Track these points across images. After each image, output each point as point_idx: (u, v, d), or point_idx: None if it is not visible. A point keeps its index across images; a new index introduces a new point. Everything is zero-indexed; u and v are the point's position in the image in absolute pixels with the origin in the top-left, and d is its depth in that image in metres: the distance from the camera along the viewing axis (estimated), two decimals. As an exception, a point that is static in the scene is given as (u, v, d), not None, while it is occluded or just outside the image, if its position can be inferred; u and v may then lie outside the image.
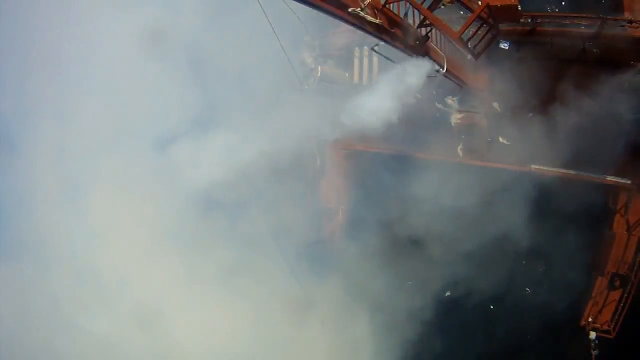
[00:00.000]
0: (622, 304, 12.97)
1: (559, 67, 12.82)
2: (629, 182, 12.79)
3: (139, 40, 13.13)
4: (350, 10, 7.68)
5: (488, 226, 13.78)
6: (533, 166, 13.38)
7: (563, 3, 13.91)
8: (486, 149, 14.05)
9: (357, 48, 15.37)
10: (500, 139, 13.82)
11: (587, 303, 13.53)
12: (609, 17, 11.96)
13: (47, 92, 14.32)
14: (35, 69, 14.25)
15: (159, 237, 14.77)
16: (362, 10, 7.76)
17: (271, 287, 15.86)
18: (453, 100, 14.26)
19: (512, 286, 15.05)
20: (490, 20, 10.48)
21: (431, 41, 9.92)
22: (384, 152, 15.03)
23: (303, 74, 14.96)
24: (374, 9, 8.20)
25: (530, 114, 13.35)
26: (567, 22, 12.31)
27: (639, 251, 12.94)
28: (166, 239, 14.87)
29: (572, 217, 13.36)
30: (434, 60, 9.82)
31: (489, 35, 11.44)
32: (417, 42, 9.42)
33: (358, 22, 8.01)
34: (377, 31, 8.46)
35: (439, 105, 14.34)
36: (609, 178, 12.88)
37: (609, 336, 13.04)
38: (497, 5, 9.81)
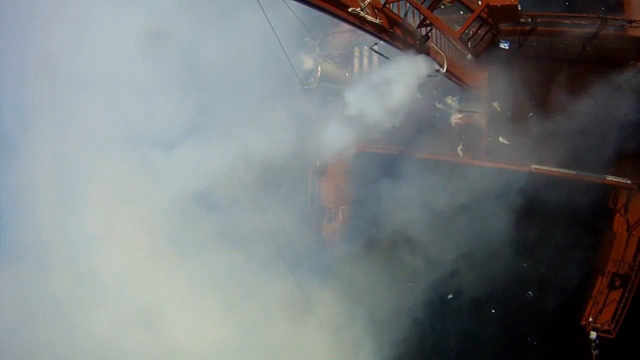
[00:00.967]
0: (622, 304, 12.97)
1: (559, 67, 12.84)
2: (629, 182, 12.78)
3: (138, 41, 13.11)
4: (350, 10, 7.67)
5: (488, 226, 13.78)
6: (533, 166, 13.38)
7: (567, 4, 13.89)
8: (486, 149, 14.05)
9: (357, 48, 15.38)
10: (500, 139, 13.82)
11: (588, 303, 13.53)
12: (609, 17, 11.96)
13: (45, 94, 14.31)
14: (35, 71, 14.23)
15: (159, 237, 14.76)
16: (362, 10, 7.75)
17: (270, 288, 15.84)
18: (453, 100, 14.27)
19: (513, 287, 15.02)
20: (490, 20, 10.49)
21: (431, 41, 9.90)
22: (384, 152, 15.01)
23: (303, 74, 14.97)
24: (374, 8, 8.19)
25: (530, 114, 13.36)
26: (568, 22, 12.31)
27: (639, 251, 12.94)
28: (165, 240, 14.85)
29: (572, 217, 13.36)
30: (434, 60, 9.80)
31: (489, 35, 11.44)
32: (417, 42, 9.41)
33: (358, 22, 8.00)
34: (377, 31, 8.44)
35: (439, 105, 14.34)
36: (609, 178, 12.88)
37: (610, 336, 13.03)
38: (497, 5, 9.82)
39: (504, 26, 11.98)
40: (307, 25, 12.46)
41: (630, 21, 11.92)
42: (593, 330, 13.21)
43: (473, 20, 10.17)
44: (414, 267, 15.10)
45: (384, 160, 15.27)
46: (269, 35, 9.67)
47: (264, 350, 15.06)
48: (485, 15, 10.22)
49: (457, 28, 10.73)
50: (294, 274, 16.03)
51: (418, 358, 16.04)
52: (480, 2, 9.92)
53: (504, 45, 12.91)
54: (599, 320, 13.32)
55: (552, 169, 13.25)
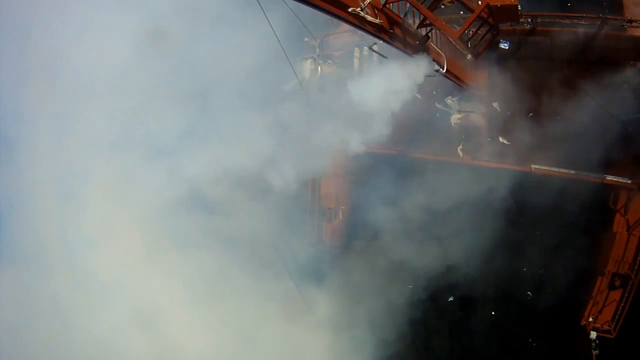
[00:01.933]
0: (622, 304, 12.97)
1: (559, 67, 12.83)
2: (629, 182, 12.79)
3: (137, 44, 13.11)
4: (350, 10, 7.65)
5: (488, 227, 13.78)
6: (533, 166, 13.38)
7: (569, 4, 13.90)
8: (486, 149, 14.05)
9: (357, 48, 15.36)
10: (500, 139, 13.81)
11: (588, 303, 13.53)
12: (609, 17, 11.96)
13: (44, 97, 14.30)
14: (34, 74, 14.23)
15: (157, 239, 14.76)
16: (362, 10, 7.73)
17: (269, 288, 15.84)
18: (453, 100, 14.26)
19: (513, 288, 15.02)
20: (490, 20, 10.48)
21: (431, 41, 9.90)
22: (384, 152, 15.00)
23: (303, 75, 14.95)
24: (374, 8, 8.18)
25: (530, 114, 13.35)
26: (568, 22, 12.31)
27: (639, 251, 12.94)
28: (164, 242, 14.86)
29: (572, 217, 13.36)
30: (434, 60, 9.80)
31: (489, 35, 11.44)
32: (417, 42, 9.41)
33: (358, 22, 7.98)
34: (377, 31, 8.43)
35: (439, 105, 14.33)
36: (609, 178, 12.89)
37: (610, 336, 13.03)
38: (497, 5, 9.80)
39: (504, 26, 11.98)
40: (307, 25, 12.45)
41: (630, 21, 11.93)
42: (593, 330, 13.22)
43: (473, 20, 10.16)
44: (414, 267, 15.10)
45: (384, 160, 15.26)
46: (269, 35, 9.66)
47: (263, 350, 15.05)
48: (485, 15, 10.20)
49: (457, 28, 10.72)
50: (293, 274, 16.03)
51: (418, 359, 16.04)
52: (480, 2, 9.91)
53: (504, 45, 12.91)
54: (599, 320, 13.32)
55: (552, 168, 13.26)
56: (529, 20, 12.59)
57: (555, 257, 14.22)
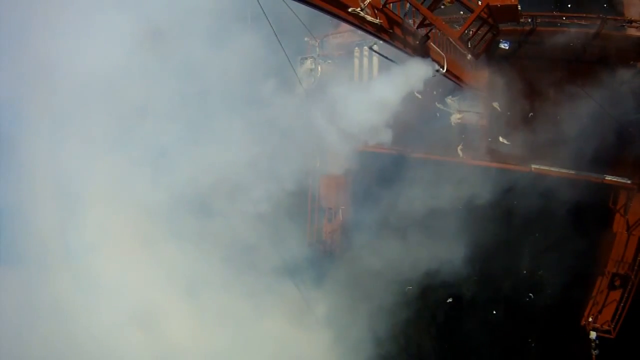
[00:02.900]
0: (622, 304, 12.97)
1: (559, 67, 12.82)
2: (629, 182, 12.79)
3: (136, 43, 13.10)
4: (350, 10, 7.64)
5: (488, 227, 13.79)
6: (533, 166, 13.38)
7: (569, 5, 13.91)
8: (486, 149, 14.04)
9: (357, 48, 15.35)
10: (500, 139, 13.80)
11: (588, 303, 13.53)
12: (609, 17, 11.95)
13: (43, 98, 14.29)
14: (33, 74, 14.21)
15: (157, 240, 14.76)
16: (362, 10, 7.72)
17: (269, 288, 15.85)
18: (453, 100, 14.25)
19: (512, 288, 15.03)
20: (490, 20, 10.48)
21: (431, 41, 9.90)
22: (384, 152, 15.01)
23: (303, 75, 14.94)
24: (374, 8, 8.17)
25: (530, 114, 13.35)
26: (567, 22, 12.30)
27: (639, 251, 12.94)
28: (164, 242, 14.86)
29: (571, 217, 13.36)
30: (434, 60, 9.79)
31: (489, 35, 11.44)
32: (417, 42, 9.40)
33: (358, 22, 7.97)
34: (377, 31, 8.43)
35: (439, 105, 14.32)
36: (609, 178, 12.89)
37: (610, 336, 13.03)
38: (497, 5, 9.81)
39: (504, 26, 11.98)
40: (307, 25, 12.44)
41: (630, 21, 11.92)
42: (593, 330, 13.22)
43: (473, 20, 10.17)
44: (414, 268, 15.10)
45: (383, 160, 15.26)
46: (269, 35, 9.65)
47: (263, 350, 15.06)
48: (485, 15, 10.21)
49: (457, 28, 10.72)
50: (293, 274, 16.04)
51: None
52: (480, 2, 9.91)
53: (504, 45, 12.90)
54: (599, 320, 13.33)
55: (552, 169, 13.26)
56: (529, 20, 12.58)
57: (555, 257, 14.24)
